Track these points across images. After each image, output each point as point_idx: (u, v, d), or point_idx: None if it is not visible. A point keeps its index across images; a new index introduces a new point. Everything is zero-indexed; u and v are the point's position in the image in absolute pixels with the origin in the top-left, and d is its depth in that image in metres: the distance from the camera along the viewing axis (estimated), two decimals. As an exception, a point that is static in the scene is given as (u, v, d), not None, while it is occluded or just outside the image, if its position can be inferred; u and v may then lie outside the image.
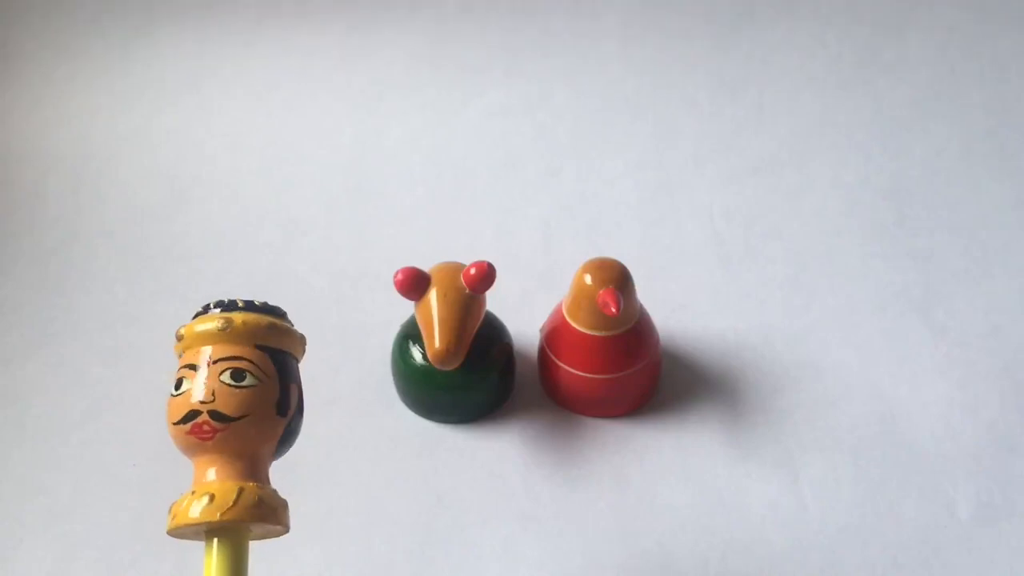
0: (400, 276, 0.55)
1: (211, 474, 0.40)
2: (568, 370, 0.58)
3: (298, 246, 0.73)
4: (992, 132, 0.78)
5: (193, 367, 0.41)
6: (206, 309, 0.43)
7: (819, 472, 0.57)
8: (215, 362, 0.41)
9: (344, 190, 0.76)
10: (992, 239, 0.71)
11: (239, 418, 0.40)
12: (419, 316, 0.56)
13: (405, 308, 0.58)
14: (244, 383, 0.41)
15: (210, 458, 0.40)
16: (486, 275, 0.55)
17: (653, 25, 0.86)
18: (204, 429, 0.40)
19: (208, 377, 0.41)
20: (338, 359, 0.63)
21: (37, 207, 0.76)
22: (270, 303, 0.44)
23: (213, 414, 0.40)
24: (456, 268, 0.56)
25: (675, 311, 0.66)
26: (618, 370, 0.57)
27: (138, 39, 0.87)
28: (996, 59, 0.83)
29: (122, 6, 0.89)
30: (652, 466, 0.58)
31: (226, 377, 0.41)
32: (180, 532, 0.40)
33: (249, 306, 0.43)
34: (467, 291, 0.55)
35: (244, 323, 0.42)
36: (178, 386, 0.41)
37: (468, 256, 0.57)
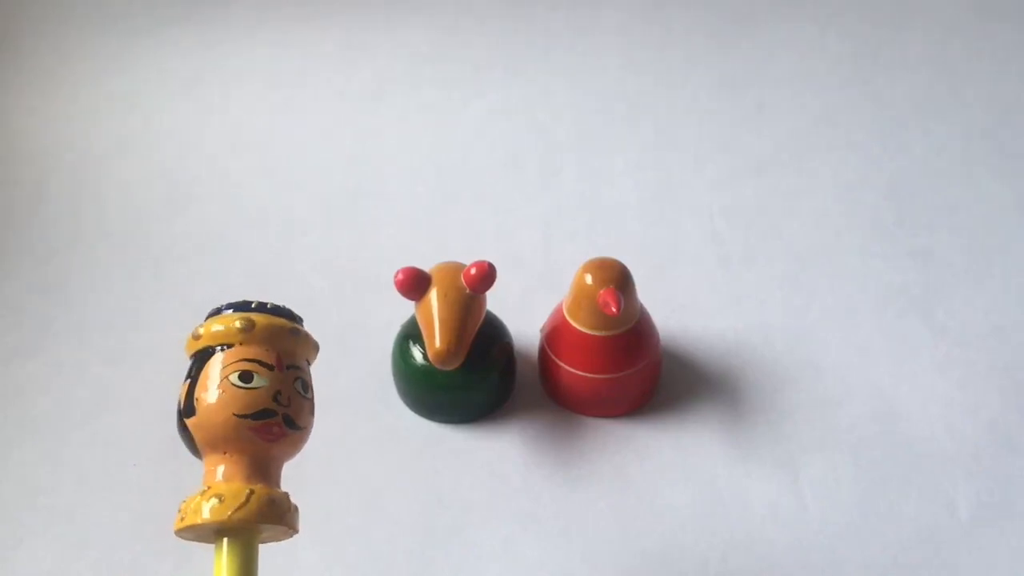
0: (400, 276, 0.55)
1: (224, 474, 0.40)
2: (568, 370, 0.58)
3: (298, 246, 0.73)
4: (992, 131, 0.78)
5: (265, 364, 0.40)
6: (264, 307, 0.42)
7: (819, 472, 0.57)
8: (287, 367, 0.41)
9: (344, 190, 0.76)
10: (992, 239, 0.71)
11: (301, 428, 0.41)
12: (419, 316, 0.56)
13: (405, 308, 0.58)
14: (308, 395, 0.42)
15: (239, 457, 0.40)
16: (486, 275, 0.55)
17: (653, 25, 0.86)
18: (274, 431, 0.40)
19: (284, 381, 0.40)
20: (338, 359, 0.63)
21: (37, 207, 0.76)
22: None
23: (286, 419, 0.40)
24: (456, 268, 0.56)
25: (675, 311, 0.66)
26: (618, 370, 0.57)
27: (138, 39, 0.87)
28: (996, 58, 0.83)
29: (122, 6, 0.89)
30: (652, 466, 0.58)
31: (298, 386, 0.41)
32: (189, 532, 0.39)
33: (300, 319, 0.44)
34: (467, 291, 0.55)
35: (305, 337, 0.43)
36: (247, 379, 0.40)
37: (469, 256, 0.57)
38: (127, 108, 0.83)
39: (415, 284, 0.55)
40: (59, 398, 0.63)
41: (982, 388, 0.61)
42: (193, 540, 0.41)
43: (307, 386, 0.42)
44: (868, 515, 0.55)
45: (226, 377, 0.40)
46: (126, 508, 0.56)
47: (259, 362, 0.40)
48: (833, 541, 0.54)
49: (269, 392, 0.40)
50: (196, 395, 0.40)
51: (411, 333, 0.59)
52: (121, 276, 0.71)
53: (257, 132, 0.81)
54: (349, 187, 0.77)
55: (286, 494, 0.41)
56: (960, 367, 0.62)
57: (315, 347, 0.44)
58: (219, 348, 0.41)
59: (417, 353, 0.59)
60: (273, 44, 0.87)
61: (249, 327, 0.41)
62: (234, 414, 0.39)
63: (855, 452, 0.58)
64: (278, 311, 0.43)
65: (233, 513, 0.38)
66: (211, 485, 0.39)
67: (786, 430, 0.59)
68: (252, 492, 0.38)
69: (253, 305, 0.42)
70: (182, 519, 0.39)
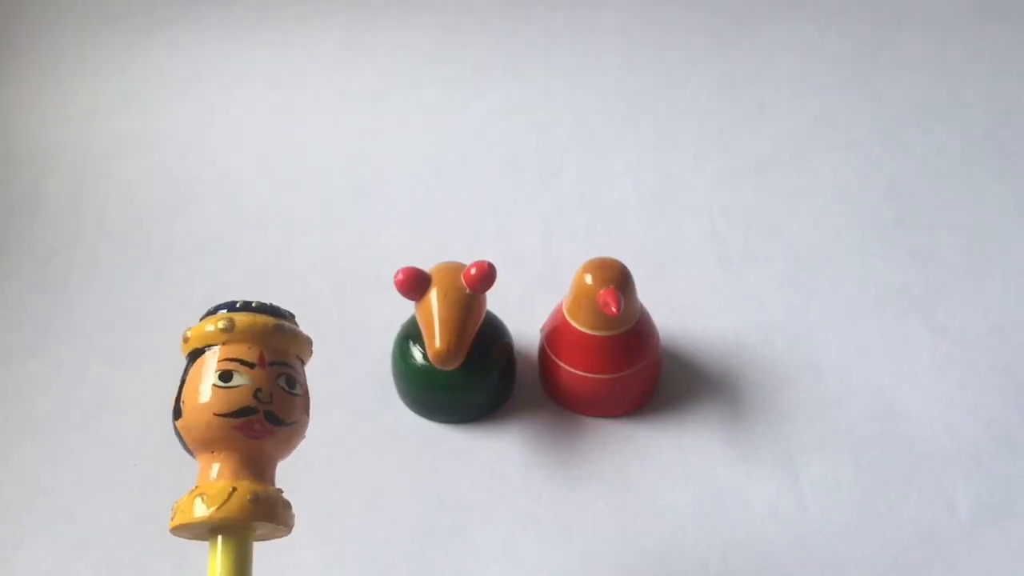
0: (400, 276, 0.55)
1: (218, 472, 0.40)
2: (568, 370, 0.58)
3: (298, 246, 0.73)
4: (992, 131, 0.78)
5: (246, 363, 0.40)
6: (248, 306, 0.42)
7: (819, 472, 0.57)
8: (271, 364, 0.41)
9: (344, 190, 0.76)
10: (992, 239, 0.71)
11: (289, 424, 0.41)
12: (420, 316, 0.56)
13: (405, 308, 0.58)
14: (295, 391, 0.42)
15: (227, 456, 0.40)
16: (486, 275, 0.55)
17: (653, 25, 0.86)
18: (256, 428, 0.40)
19: (267, 378, 0.41)
20: (338, 359, 0.63)
21: (37, 207, 0.76)
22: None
23: (268, 415, 0.40)
24: (456, 268, 0.56)
25: (675, 311, 0.66)
26: (618, 370, 0.57)
27: (138, 39, 0.87)
28: (996, 58, 0.83)
29: (122, 6, 0.89)
30: (652, 466, 0.58)
31: (282, 382, 0.41)
32: (183, 531, 0.40)
33: (290, 316, 0.44)
34: (467, 291, 0.55)
35: (293, 333, 0.43)
36: (227, 378, 0.40)
37: (469, 256, 0.57)
38: (127, 108, 0.83)
39: (415, 284, 0.55)
40: (59, 398, 0.63)
41: (982, 388, 0.61)
42: (190, 538, 0.41)
43: (294, 382, 0.42)
44: (868, 515, 0.55)
45: (209, 378, 0.40)
46: (126, 508, 0.56)
47: (239, 360, 0.40)
48: (833, 541, 0.54)
49: (249, 390, 0.40)
50: (182, 398, 0.41)
51: (411, 333, 0.59)
52: (121, 276, 0.71)
53: (257, 132, 0.81)
54: (349, 187, 0.77)
55: (278, 491, 0.41)
56: (960, 367, 0.62)
57: (307, 342, 0.44)
58: (207, 349, 0.41)
59: (417, 353, 0.59)
60: (273, 44, 0.87)
61: (229, 327, 0.41)
62: (215, 414, 0.39)
63: (855, 452, 0.58)
64: (263, 308, 0.43)
65: (215, 511, 0.38)
66: (199, 484, 0.40)
67: (786, 430, 0.59)
68: (234, 490, 0.39)
69: (238, 304, 0.42)
70: (172, 518, 0.39)
